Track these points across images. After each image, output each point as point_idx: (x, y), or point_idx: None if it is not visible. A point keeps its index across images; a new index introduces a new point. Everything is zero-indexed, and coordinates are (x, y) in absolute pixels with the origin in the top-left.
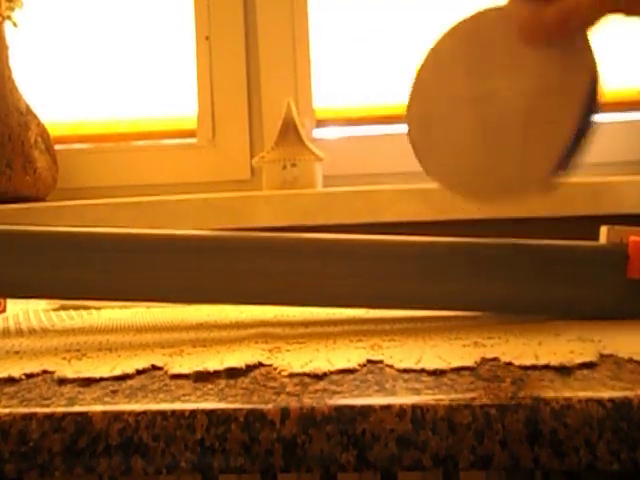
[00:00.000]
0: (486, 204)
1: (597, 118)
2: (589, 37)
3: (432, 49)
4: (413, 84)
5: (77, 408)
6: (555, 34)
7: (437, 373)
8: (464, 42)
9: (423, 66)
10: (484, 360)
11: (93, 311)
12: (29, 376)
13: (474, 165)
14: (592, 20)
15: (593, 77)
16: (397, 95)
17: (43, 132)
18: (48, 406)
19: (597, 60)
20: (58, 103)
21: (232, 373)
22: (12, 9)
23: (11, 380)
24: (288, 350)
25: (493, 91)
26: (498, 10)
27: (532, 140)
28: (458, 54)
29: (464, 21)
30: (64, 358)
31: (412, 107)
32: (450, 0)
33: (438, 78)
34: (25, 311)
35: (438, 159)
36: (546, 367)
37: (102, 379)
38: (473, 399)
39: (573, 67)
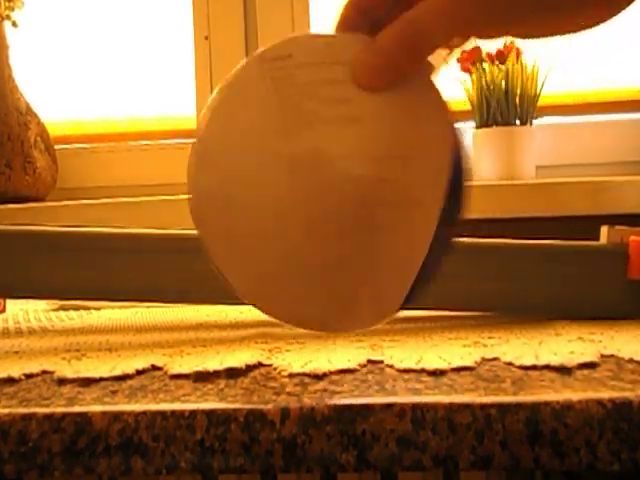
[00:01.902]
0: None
1: (463, 215)
2: (434, 80)
3: (227, 88)
4: (199, 139)
5: (77, 408)
6: (398, 68)
7: (437, 373)
8: (273, 78)
9: (213, 114)
10: (484, 360)
11: (93, 311)
12: (29, 376)
13: (288, 271)
14: (442, 38)
15: (453, 151)
16: None
17: (43, 132)
18: (48, 406)
19: (454, 129)
20: (58, 103)
21: (232, 373)
22: (12, 9)
23: (11, 380)
24: (288, 350)
25: (318, 151)
26: (318, 39)
27: (373, 233)
28: (265, 94)
29: (267, 51)
30: (64, 358)
31: (198, 171)
32: None
33: (238, 132)
34: (25, 311)
35: (233, 255)
36: (546, 367)
37: (102, 379)
38: (473, 399)
39: (425, 126)
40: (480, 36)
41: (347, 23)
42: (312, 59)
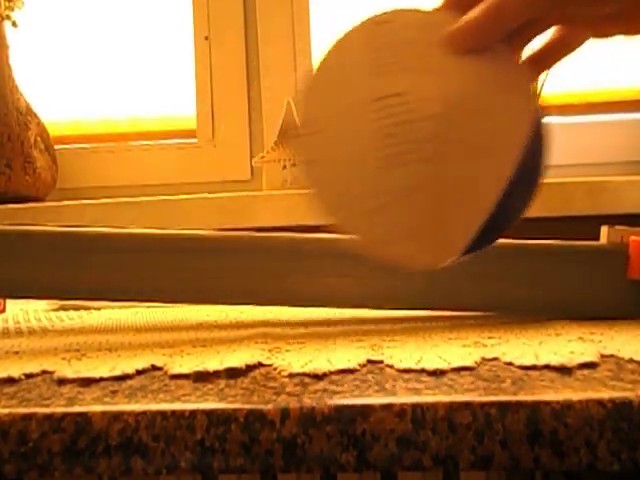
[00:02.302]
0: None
1: (543, 168)
2: (531, 72)
3: (334, 45)
4: (311, 77)
5: (77, 408)
6: (483, 33)
7: (437, 373)
8: (372, 38)
9: (324, 60)
10: (484, 360)
11: (93, 311)
12: (29, 376)
13: (368, 195)
14: (523, 17)
15: (533, 122)
16: None
17: (43, 132)
18: (48, 406)
19: (537, 105)
20: (58, 103)
21: (232, 373)
22: (12, 9)
23: (11, 380)
24: (288, 350)
25: (401, 92)
26: (420, 11)
27: (447, 174)
28: (364, 51)
29: (373, 17)
30: (64, 358)
31: (301, 110)
32: None
33: (339, 77)
34: (25, 311)
35: (324, 176)
36: (546, 367)
37: (102, 379)
38: (473, 399)
39: (506, 99)
40: (562, 18)
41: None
42: (409, 24)
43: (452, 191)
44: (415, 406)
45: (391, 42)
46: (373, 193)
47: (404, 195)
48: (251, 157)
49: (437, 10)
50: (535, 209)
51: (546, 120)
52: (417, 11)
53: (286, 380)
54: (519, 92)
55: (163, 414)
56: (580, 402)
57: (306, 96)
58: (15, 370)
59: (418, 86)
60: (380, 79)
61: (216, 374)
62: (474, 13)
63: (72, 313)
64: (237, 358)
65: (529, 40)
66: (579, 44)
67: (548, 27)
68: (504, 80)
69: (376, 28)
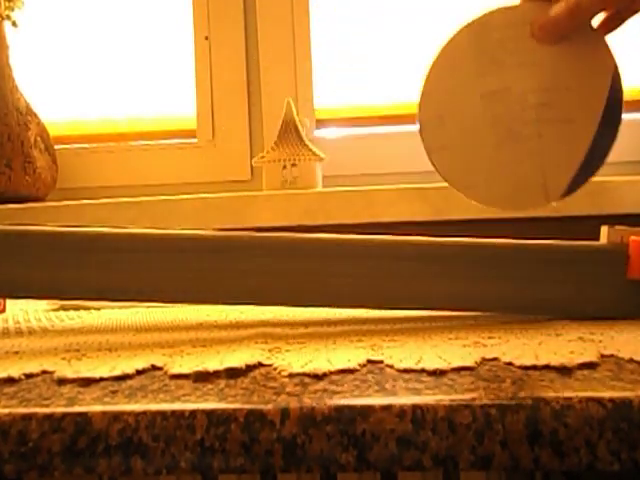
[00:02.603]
0: (501, 210)
1: (620, 121)
2: (604, 37)
3: (442, 49)
4: (424, 83)
5: (77, 408)
6: (565, 26)
7: (437, 373)
8: (474, 41)
9: (434, 65)
10: (484, 360)
11: (93, 311)
12: (29, 376)
13: (488, 167)
14: (602, 6)
15: (612, 76)
16: (397, 95)
17: (43, 132)
18: (48, 406)
19: (615, 60)
20: (58, 103)
21: (232, 373)
22: (12, 9)
23: (11, 380)
24: (288, 350)
25: (505, 88)
26: (507, 9)
27: (548, 140)
28: (469, 53)
29: (473, 21)
30: (64, 358)
31: (423, 106)
32: (449, 0)
33: (449, 77)
34: (25, 311)
35: (451, 160)
36: (546, 367)
37: (102, 379)
38: (473, 399)
39: (589, 65)
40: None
41: None
42: (503, 23)
43: (554, 145)
44: (415, 406)
45: (489, 43)
46: (492, 165)
47: (516, 162)
48: (251, 157)
49: (523, 4)
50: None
51: (619, 72)
52: (507, 9)
53: (286, 380)
54: (598, 61)
55: (163, 414)
56: (580, 402)
57: (424, 97)
58: (15, 370)
59: (517, 80)
60: (486, 78)
61: (216, 374)
62: (557, 9)
63: (72, 313)
64: (237, 358)
65: (616, 25)
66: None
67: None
68: (585, 52)
69: (474, 31)
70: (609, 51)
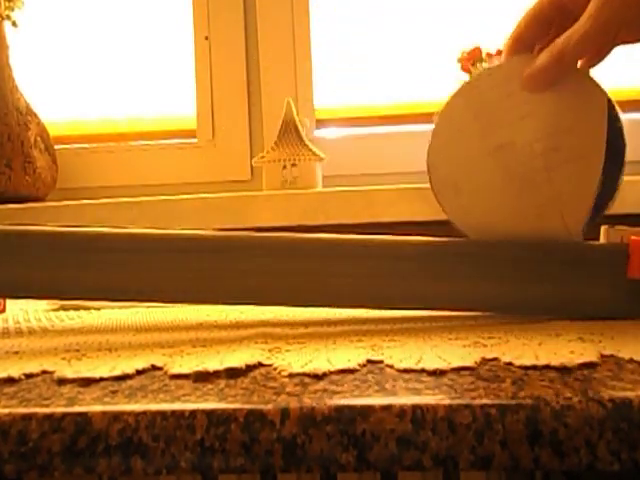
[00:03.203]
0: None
1: (625, 146)
2: (589, 73)
3: (440, 118)
4: (429, 154)
5: (77, 408)
6: (552, 74)
7: (437, 373)
8: (470, 106)
9: (435, 135)
10: (484, 360)
11: (93, 311)
12: (29, 376)
13: (508, 219)
14: (584, 52)
15: (607, 107)
16: (397, 95)
17: (43, 132)
18: (48, 406)
19: (605, 91)
20: (58, 103)
21: (232, 373)
22: (12, 9)
23: (11, 380)
24: (288, 350)
25: (510, 142)
26: (494, 69)
27: (558, 182)
28: (467, 118)
29: (464, 86)
30: (64, 358)
31: (435, 177)
32: (448, 0)
33: (454, 144)
34: (25, 311)
35: (473, 219)
36: (546, 367)
37: (102, 379)
38: (473, 399)
39: (583, 103)
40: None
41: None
42: (493, 83)
43: (566, 186)
44: (415, 406)
45: (485, 104)
46: (514, 215)
47: (535, 209)
48: (251, 157)
49: (508, 60)
50: None
51: (613, 102)
52: (494, 68)
53: (286, 380)
54: (590, 96)
55: (163, 414)
56: (580, 402)
57: (433, 168)
58: (15, 370)
59: (520, 133)
60: (489, 137)
61: (216, 374)
62: (542, 59)
63: (72, 313)
64: (237, 358)
65: (604, 57)
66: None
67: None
68: (576, 91)
69: (468, 96)
70: (597, 85)
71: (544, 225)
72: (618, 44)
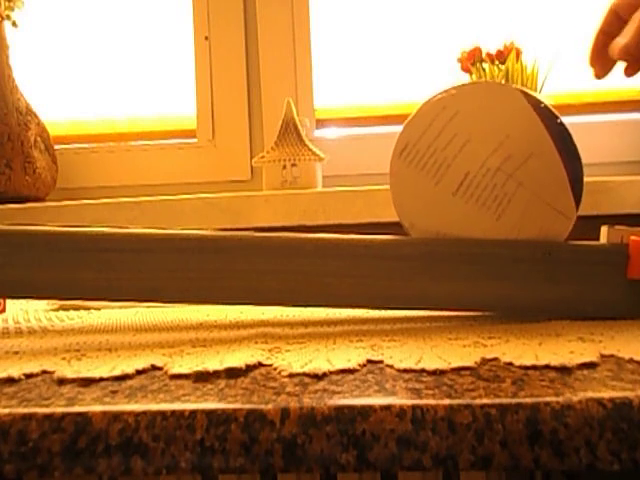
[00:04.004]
0: None
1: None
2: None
3: (391, 187)
4: (401, 218)
5: (77, 408)
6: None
7: (437, 373)
8: (409, 164)
9: (396, 205)
10: (484, 360)
11: (93, 311)
12: (29, 376)
13: (510, 233)
14: None
15: (525, 99)
16: (397, 95)
17: (43, 132)
18: (48, 406)
19: (517, 87)
20: (58, 103)
21: (232, 373)
22: (12, 9)
23: (11, 380)
24: (288, 350)
25: (465, 175)
26: (412, 122)
27: (528, 180)
28: (413, 176)
29: (395, 152)
30: (64, 358)
31: (414, 232)
32: (448, 0)
33: (415, 200)
34: (25, 311)
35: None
36: (546, 367)
37: (102, 379)
38: (473, 399)
39: (504, 106)
40: None
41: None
42: (418, 133)
43: (538, 181)
44: (415, 406)
45: (422, 156)
46: (513, 230)
47: (525, 214)
48: (251, 157)
49: (420, 108)
50: None
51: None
52: (412, 121)
53: (286, 380)
54: (508, 98)
55: (163, 414)
56: (580, 402)
57: (412, 231)
58: (15, 370)
59: (467, 162)
60: (443, 183)
61: (216, 374)
62: (629, 33)
63: (72, 313)
64: (237, 358)
65: None
66: None
67: None
68: (496, 99)
69: (402, 158)
70: (506, 85)
71: (541, 223)
72: None
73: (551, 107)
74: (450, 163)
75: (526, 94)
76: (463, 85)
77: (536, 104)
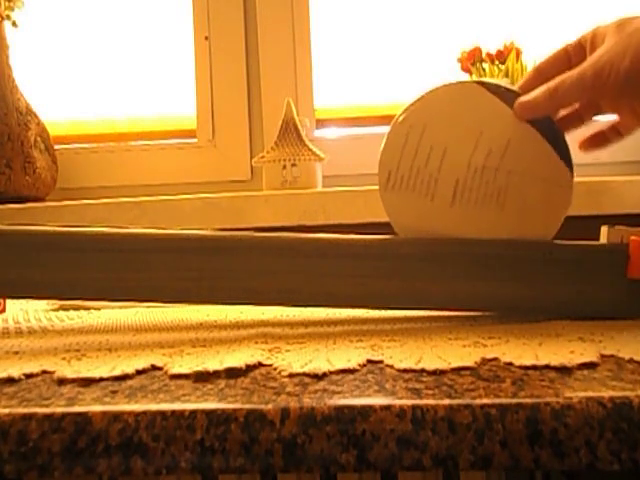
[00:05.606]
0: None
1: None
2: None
3: (390, 215)
4: (388, 135)
5: (77, 408)
6: (544, 107)
7: (437, 373)
8: (397, 192)
9: (396, 223)
10: (484, 360)
11: (93, 311)
12: (29, 376)
13: (434, 224)
14: (576, 94)
15: (486, 90)
16: (397, 95)
17: (43, 132)
18: (48, 406)
19: (481, 80)
20: (58, 103)
21: (232, 373)
22: (12, 9)
23: (11, 380)
24: (288, 350)
25: (457, 182)
26: (387, 145)
27: (517, 165)
28: (406, 196)
29: (453, 84)
30: (64, 358)
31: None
32: (448, 0)
33: (413, 221)
34: (25, 311)
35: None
36: (546, 367)
37: (102, 379)
38: (473, 399)
39: (476, 104)
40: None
41: (528, 84)
42: (399, 158)
43: (525, 160)
44: (415, 406)
45: (406, 178)
46: (439, 222)
47: (523, 198)
48: (251, 157)
49: (387, 135)
50: None
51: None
52: (387, 143)
53: (286, 380)
54: (476, 96)
55: (163, 414)
56: (580, 402)
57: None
58: (15, 370)
59: (455, 169)
60: (438, 196)
61: (216, 374)
62: (536, 92)
63: (72, 313)
64: (237, 358)
65: (585, 121)
66: (628, 132)
67: (599, 112)
68: (467, 101)
69: (388, 184)
70: (464, 83)
71: (543, 200)
72: (602, 112)
73: (510, 87)
74: (437, 177)
75: (483, 83)
76: (421, 97)
77: (496, 90)
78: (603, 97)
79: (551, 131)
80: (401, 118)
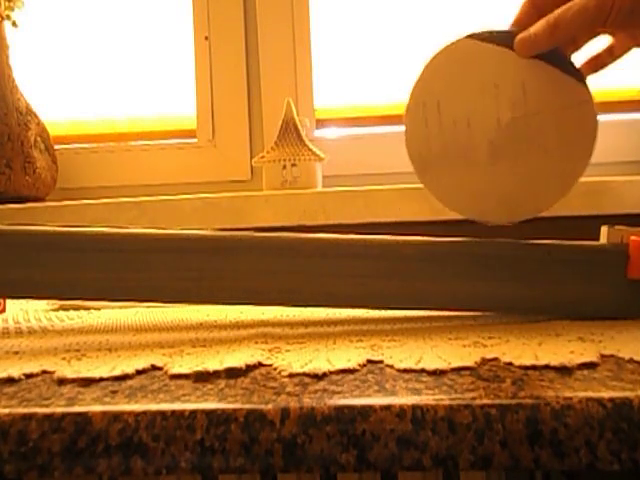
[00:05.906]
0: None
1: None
2: (577, 67)
3: (416, 84)
4: (406, 124)
5: (77, 408)
6: (545, 42)
7: (437, 373)
8: (451, 68)
9: (410, 107)
10: (484, 360)
11: (93, 311)
12: (29, 376)
13: (482, 189)
14: (578, 26)
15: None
16: (397, 95)
17: (43, 132)
18: (48, 406)
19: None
20: (58, 103)
21: (232, 373)
22: (12, 9)
23: (11, 380)
24: (288, 350)
25: (486, 142)
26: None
27: (534, 137)
28: (445, 82)
29: (444, 50)
30: (64, 358)
31: (411, 148)
32: (447, 1)
33: (430, 112)
34: (25, 311)
35: (447, 190)
36: (546, 367)
37: (102, 379)
38: (473, 399)
39: (567, 97)
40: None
41: (523, 18)
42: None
43: (553, 103)
44: (415, 406)
45: (468, 68)
46: (488, 186)
47: (558, 131)
48: (251, 157)
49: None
50: None
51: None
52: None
53: (286, 380)
54: (577, 91)
55: (163, 414)
56: (580, 402)
57: (408, 137)
58: (15, 370)
59: (481, 134)
60: (472, 154)
61: (216, 374)
62: (536, 27)
63: (72, 313)
64: (237, 358)
65: (580, 46)
66: (623, 52)
67: (595, 36)
68: (563, 84)
69: (448, 57)
70: (456, 44)
71: (575, 123)
72: (600, 32)
73: (498, 29)
74: (468, 144)
75: (475, 35)
76: (420, 76)
77: (489, 37)
78: (604, 27)
79: (556, 56)
80: (412, 102)
